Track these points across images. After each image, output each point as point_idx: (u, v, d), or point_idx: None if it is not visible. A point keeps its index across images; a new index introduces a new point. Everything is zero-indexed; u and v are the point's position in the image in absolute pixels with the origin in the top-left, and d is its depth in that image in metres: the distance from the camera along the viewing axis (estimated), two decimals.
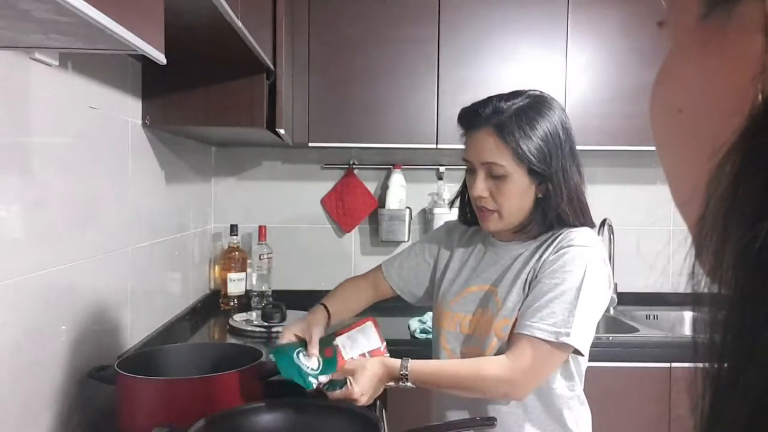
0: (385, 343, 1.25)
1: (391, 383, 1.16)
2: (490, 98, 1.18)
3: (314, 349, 1.21)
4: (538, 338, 1.10)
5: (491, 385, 1.13)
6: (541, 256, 1.18)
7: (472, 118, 1.18)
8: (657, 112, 0.34)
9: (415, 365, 1.14)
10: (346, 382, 1.12)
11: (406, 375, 1.12)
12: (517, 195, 1.16)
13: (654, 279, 2.68)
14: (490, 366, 1.13)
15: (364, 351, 1.21)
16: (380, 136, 2.25)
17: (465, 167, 1.24)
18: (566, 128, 1.18)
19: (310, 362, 1.16)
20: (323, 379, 1.15)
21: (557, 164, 1.14)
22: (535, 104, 1.16)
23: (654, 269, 2.70)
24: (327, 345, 1.21)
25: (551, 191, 1.15)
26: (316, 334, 1.24)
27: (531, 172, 1.14)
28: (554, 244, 1.17)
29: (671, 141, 0.33)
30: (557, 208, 1.16)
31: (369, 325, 1.25)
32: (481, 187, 1.16)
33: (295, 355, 1.17)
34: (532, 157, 1.12)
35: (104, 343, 1.42)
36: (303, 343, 1.21)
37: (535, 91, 1.20)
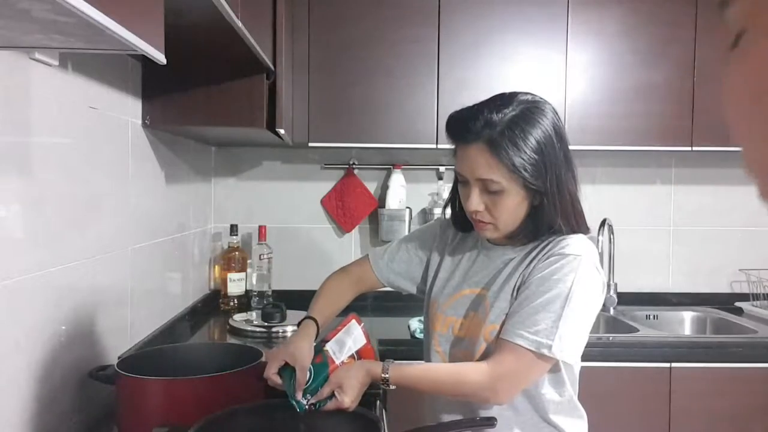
0: (369, 339, 1.27)
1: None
2: (479, 108, 1.14)
3: (301, 388, 1.16)
4: (520, 345, 1.10)
5: (471, 391, 1.14)
6: (531, 262, 1.17)
7: (463, 131, 1.14)
8: (737, 100, 0.31)
9: (396, 370, 1.14)
10: (333, 397, 1.14)
11: (387, 379, 1.14)
12: (513, 208, 1.14)
13: (654, 279, 2.69)
14: (471, 372, 1.13)
15: (352, 352, 1.23)
16: (380, 136, 2.25)
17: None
18: (559, 133, 1.15)
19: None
20: (312, 400, 1.15)
21: (552, 175, 1.12)
22: (527, 113, 1.12)
23: (654, 269, 2.70)
24: (316, 353, 1.21)
25: (545, 204, 1.13)
26: (306, 366, 1.18)
27: (526, 186, 1.12)
28: (545, 250, 1.16)
29: (760, 128, 0.30)
30: (550, 219, 1.15)
31: (353, 325, 1.26)
32: (476, 202, 1.14)
33: (290, 376, 1.17)
34: (527, 174, 1.10)
35: (104, 343, 1.42)
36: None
37: (526, 95, 1.16)
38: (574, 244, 1.15)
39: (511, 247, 1.23)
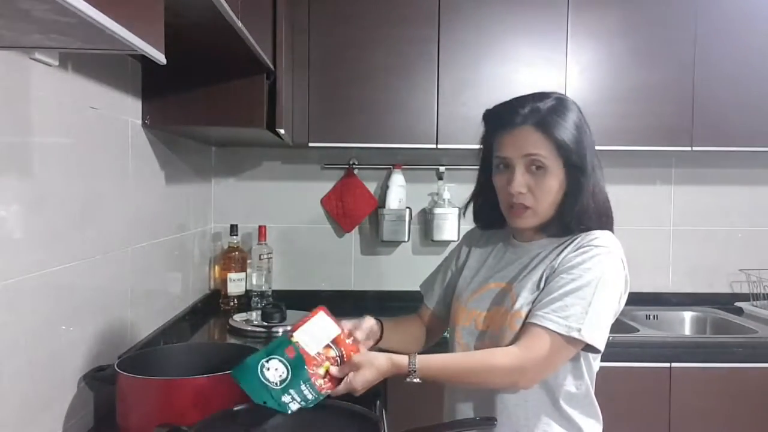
0: (342, 328, 1.17)
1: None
2: (522, 99, 1.22)
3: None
4: (549, 329, 1.11)
5: (500, 376, 1.14)
6: (559, 254, 1.20)
7: (512, 116, 1.20)
8: None
9: (423, 361, 1.13)
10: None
11: (414, 371, 1.12)
12: (554, 189, 1.19)
13: (654, 279, 2.69)
14: (500, 356, 1.13)
15: (327, 342, 1.14)
16: (380, 136, 2.25)
17: (471, 168, 1.26)
18: (588, 125, 1.24)
19: (275, 374, 1.08)
20: (310, 396, 1.08)
21: (589, 158, 1.19)
22: (563, 102, 1.21)
23: (654, 269, 2.70)
24: (286, 345, 1.11)
25: (581, 185, 1.18)
26: (358, 330, 1.22)
27: (567, 165, 1.18)
28: (574, 243, 1.20)
29: None
30: (583, 204, 1.19)
31: (321, 315, 1.17)
32: (520, 182, 1.18)
33: (259, 371, 1.07)
34: (571, 147, 1.16)
35: (104, 343, 1.42)
36: (263, 353, 1.10)
37: (559, 93, 1.24)
38: (603, 237, 1.19)
39: (538, 243, 1.25)
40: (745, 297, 2.60)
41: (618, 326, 2.28)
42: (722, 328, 2.41)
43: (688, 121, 2.28)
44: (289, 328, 1.13)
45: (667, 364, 2.03)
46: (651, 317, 2.50)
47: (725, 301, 2.60)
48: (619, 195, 2.64)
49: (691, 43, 2.27)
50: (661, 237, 2.68)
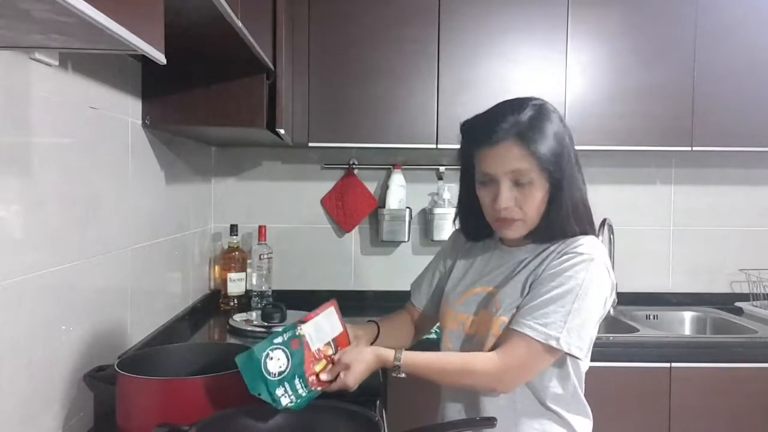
0: (346, 326, 1.23)
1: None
2: (500, 111, 1.18)
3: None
4: (529, 336, 1.12)
5: (478, 380, 1.16)
6: (543, 260, 1.20)
7: (490, 133, 1.17)
8: None
9: (408, 357, 1.16)
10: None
11: (399, 366, 1.15)
12: (540, 199, 1.18)
13: (654, 279, 2.69)
14: (479, 361, 1.15)
15: (329, 339, 1.18)
16: (380, 136, 2.25)
17: (464, 172, 1.25)
18: (569, 133, 1.21)
19: (276, 365, 1.07)
20: (301, 391, 1.09)
21: (569, 167, 1.17)
22: (542, 112, 1.18)
23: (654, 269, 2.70)
24: (293, 337, 1.12)
25: (562, 195, 1.17)
26: (358, 339, 1.28)
27: (549, 179, 1.16)
28: (558, 249, 1.19)
29: None
30: (565, 215, 1.18)
31: (331, 311, 1.22)
32: (507, 197, 1.17)
33: (263, 361, 1.05)
34: (552, 159, 1.15)
35: (104, 343, 1.42)
36: (270, 341, 1.09)
37: (534, 99, 1.21)
38: (587, 244, 1.18)
39: (525, 248, 1.25)
40: (745, 297, 2.60)
41: (618, 326, 2.29)
42: (722, 328, 2.41)
43: (688, 121, 2.28)
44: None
45: (667, 364, 2.03)
46: (651, 317, 2.50)
47: (725, 301, 2.60)
48: (619, 195, 2.67)
49: (691, 42, 2.28)
50: (661, 237, 2.68)
